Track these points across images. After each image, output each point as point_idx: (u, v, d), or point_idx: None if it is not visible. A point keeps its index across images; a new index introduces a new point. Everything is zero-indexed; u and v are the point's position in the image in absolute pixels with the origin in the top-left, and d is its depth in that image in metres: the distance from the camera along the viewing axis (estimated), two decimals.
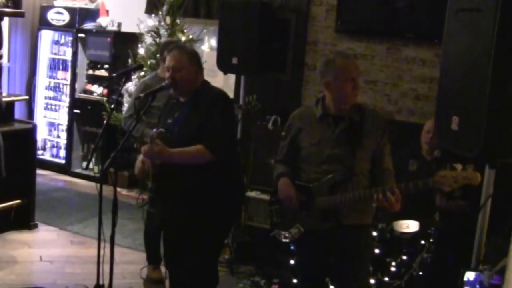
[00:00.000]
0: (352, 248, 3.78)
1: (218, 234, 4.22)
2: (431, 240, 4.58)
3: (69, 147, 9.13)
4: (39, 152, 8.98)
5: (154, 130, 3.99)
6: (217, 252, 4.34)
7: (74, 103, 8.99)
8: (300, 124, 3.91)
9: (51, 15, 9.04)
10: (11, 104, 6.49)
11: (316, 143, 3.78)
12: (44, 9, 9.15)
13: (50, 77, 9.37)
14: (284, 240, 3.98)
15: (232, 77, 7.28)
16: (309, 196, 3.78)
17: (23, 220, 6.54)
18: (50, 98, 9.43)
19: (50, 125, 9.54)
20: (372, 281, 4.43)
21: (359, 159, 3.71)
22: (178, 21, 7.71)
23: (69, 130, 9.09)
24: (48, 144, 9.57)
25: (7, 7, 7.12)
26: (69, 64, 9.04)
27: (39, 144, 9.02)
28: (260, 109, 6.39)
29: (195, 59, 4.07)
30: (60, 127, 9.41)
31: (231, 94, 6.84)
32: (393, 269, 4.57)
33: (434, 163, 4.93)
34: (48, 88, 9.43)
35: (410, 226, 4.61)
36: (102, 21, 8.71)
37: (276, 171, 4.00)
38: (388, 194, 3.48)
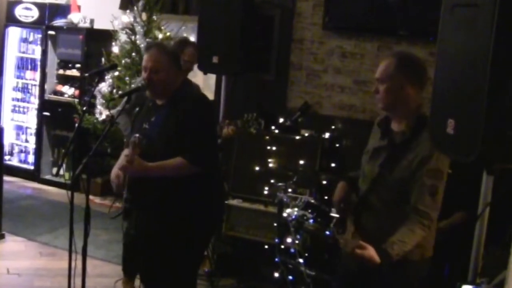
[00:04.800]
0: (378, 283, 3.42)
1: (196, 246, 4.18)
2: None
3: (38, 152, 9.07)
4: (6, 157, 8.88)
5: (134, 136, 3.97)
6: (195, 265, 4.31)
7: (44, 105, 8.92)
8: (372, 132, 3.72)
9: (19, 11, 8.96)
10: None
11: (364, 154, 3.65)
12: (11, 5, 9.07)
13: (18, 77, 9.30)
14: None
15: (212, 77, 7.26)
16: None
17: None
18: (17, 100, 9.36)
19: (18, 129, 9.46)
20: None
21: (383, 185, 3.43)
22: (154, 17, 7.71)
23: (38, 134, 9.03)
24: (16, 149, 9.49)
25: None
26: (38, 63, 8.98)
27: (6, 149, 8.97)
28: (242, 110, 6.34)
29: (175, 60, 4.05)
30: (28, 130, 9.34)
31: (211, 96, 6.82)
32: None
33: None
34: (15, 89, 9.35)
35: None
36: (74, 17, 8.65)
37: None
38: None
